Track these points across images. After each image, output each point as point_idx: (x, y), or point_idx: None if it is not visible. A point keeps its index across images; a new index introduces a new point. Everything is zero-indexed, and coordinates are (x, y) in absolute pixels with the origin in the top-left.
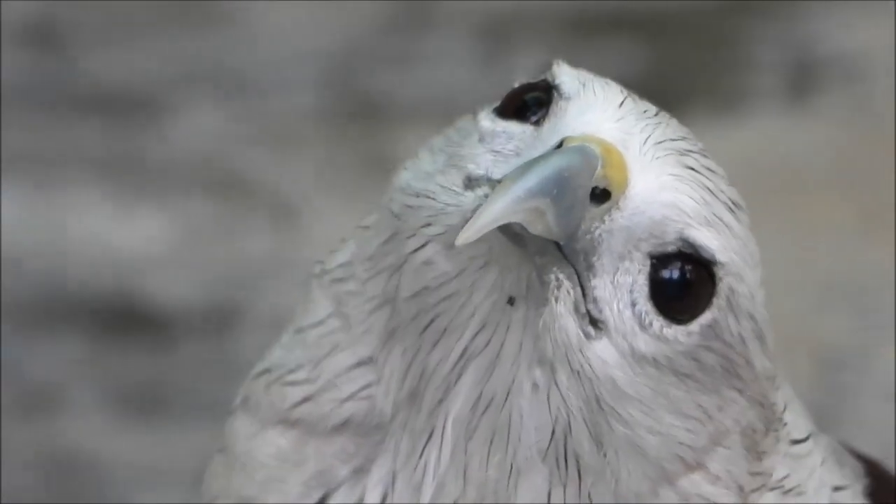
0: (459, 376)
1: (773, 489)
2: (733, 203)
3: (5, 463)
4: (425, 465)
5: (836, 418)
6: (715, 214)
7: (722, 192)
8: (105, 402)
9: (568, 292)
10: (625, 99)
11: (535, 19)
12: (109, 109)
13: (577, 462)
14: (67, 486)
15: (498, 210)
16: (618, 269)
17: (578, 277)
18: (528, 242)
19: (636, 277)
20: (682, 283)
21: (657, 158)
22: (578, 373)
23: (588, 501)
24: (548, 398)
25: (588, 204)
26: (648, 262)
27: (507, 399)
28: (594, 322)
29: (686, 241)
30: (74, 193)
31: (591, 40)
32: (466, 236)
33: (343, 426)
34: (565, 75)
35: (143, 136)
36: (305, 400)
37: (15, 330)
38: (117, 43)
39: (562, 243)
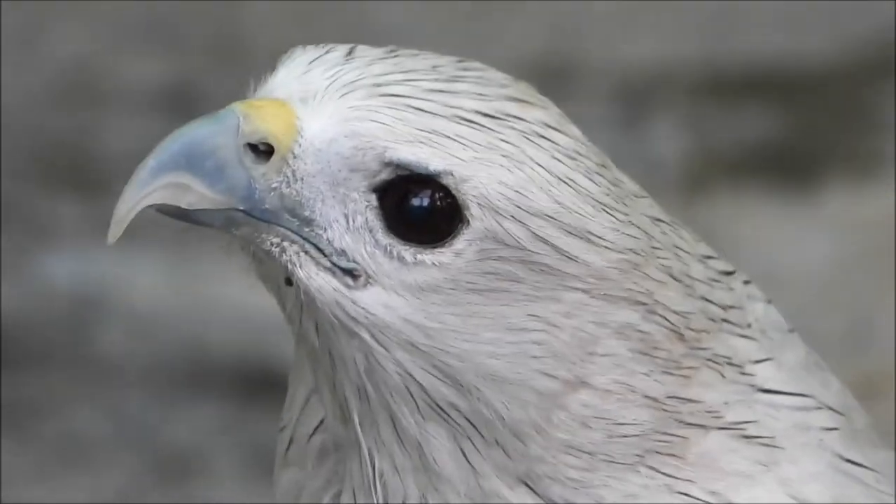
0: (331, 362)
1: (723, 429)
2: (476, 115)
3: None
4: (370, 473)
5: None
6: (428, 131)
7: (452, 110)
8: (242, 465)
9: (298, 253)
10: (320, 56)
11: (672, 83)
12: None
13: (458, 410)
14: None
15: (127, 201)
16: (346, 215)
17: (301, 234)
18: (207, 219)
19: (366, 215)
20: (411, 206)
21: (342, 98)
22: (366, 325)
23: (498, 446)
24: (374, 359)
25: (249, 162)
26: (373, 197)
27: (359, 381)
28: (349, 272)
29: (394, 164)
30: (212, 263)
31: (727, 104)
32: (110, 234)
33: (322, 458)
34: (282, 57)
35: None
36: (291, 442)
37: (154, 396)
38: None
39: (243, 208)
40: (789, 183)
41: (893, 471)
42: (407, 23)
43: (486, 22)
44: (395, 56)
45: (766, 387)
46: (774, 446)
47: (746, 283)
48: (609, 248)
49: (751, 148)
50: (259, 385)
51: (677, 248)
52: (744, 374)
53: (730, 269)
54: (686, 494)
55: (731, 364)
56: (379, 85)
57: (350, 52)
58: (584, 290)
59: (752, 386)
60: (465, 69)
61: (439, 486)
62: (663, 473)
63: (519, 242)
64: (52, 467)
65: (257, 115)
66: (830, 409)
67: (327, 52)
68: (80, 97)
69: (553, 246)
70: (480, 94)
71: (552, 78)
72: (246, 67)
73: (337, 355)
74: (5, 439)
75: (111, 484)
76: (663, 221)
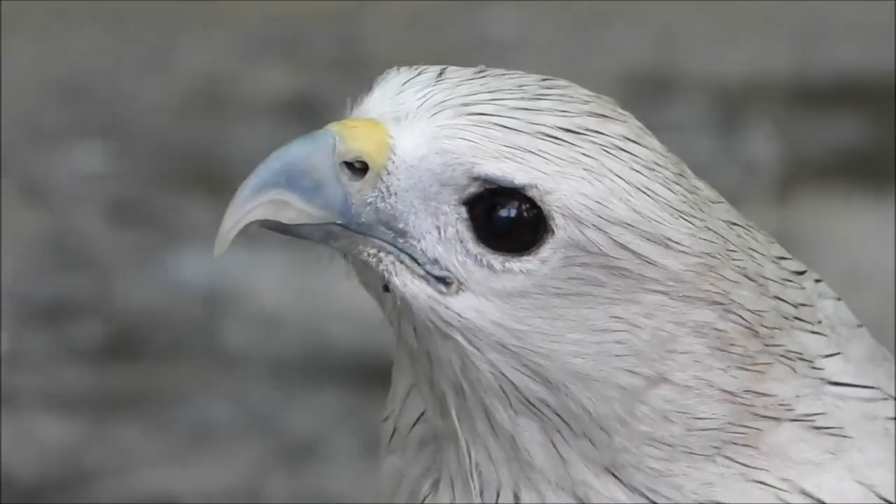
0: (429, 363)
1: (794, 420)
2: (558, 132)
3: None
4: (467, 464)
5: None
6: (513, 147)
7: (536, 126)
8: (358, 451)
9: (394, 263)
10: (412, 77)
11: (765, 93)
12: None
13: (547, 405)
14: None
15: (231, 217)
16: (438, 227)
17: (396, 245)
18: (306, 233)
19: (457, 227)
20: (499, 217)
21: (432, 117)
22: (460, 328)
23: (585, 438)
24: (468, 360)
25: (345, 179)
26: (463, 209)
27: (455, 379)
28: (442, 280)
29: (482, 178)
30: (329, 266)
31: (814, 111)
32: (216, 248)
33: (421, 447)
34: (378, 78)
35: None
36: (394, 432)
37: (277, 386)
38: None
39: (341, 222)
40: (872, 187)
41: None
42: (518, 35)
43: (591, 35)
44: (483, 76)
45: (835, 380)
46: (842, 436)
47: (818, 281)
48: (686, 253)
49: (836, 153)
50: (374, 376)
51: (752, 249)
52: (814, 368)
53: (801, 268)
54: (760, 482)
55: (802, 359)
56: (467, 104)
57: (440, 74)
58: (662, 292)
59: (822, 379)
60: (549, 87)
61: (531, 476)
62: (738, 463)
63: (600, 249)
64: (183, 451)
65: (351, 134)
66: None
67: (419, 73)
68: (210, 107)
69: (633, 252)
70: (562, 111)
71: (654, 88)
72: (364, 78)
73: (434, 355)
74: (140, 425)
75: (237, 467)
76: (738, 225)
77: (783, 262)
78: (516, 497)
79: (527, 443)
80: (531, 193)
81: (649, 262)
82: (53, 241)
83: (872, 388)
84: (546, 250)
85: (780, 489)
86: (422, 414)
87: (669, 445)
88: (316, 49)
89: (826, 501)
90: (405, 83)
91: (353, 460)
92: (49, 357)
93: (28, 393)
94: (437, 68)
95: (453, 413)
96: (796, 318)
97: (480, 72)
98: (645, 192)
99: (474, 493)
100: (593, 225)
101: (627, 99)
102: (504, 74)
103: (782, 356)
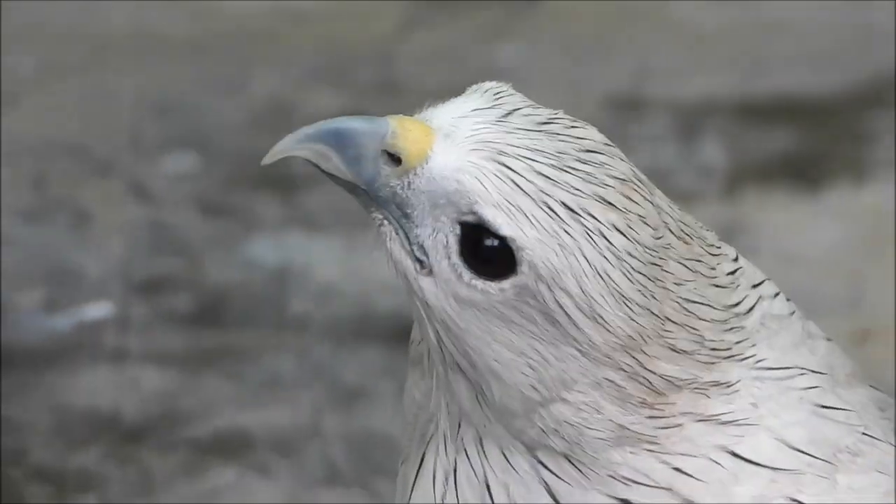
0: (415, 308)
1: (700, 421)
2: (558, 206)
3: (328, 443)
4: (439, 403)
5: None
6: (514, 205)
7: (543, 196)
8: (397, 396)
9: (393, 233)
10: (482, 108)
11: (716, 110)
12: None
13: (472, 374)
14: (370, 458)
15: (285, 144)
16: (435, 228)
17: (398, 222)
18: (337, 182)
19: (448, 237)
20: (482, 247)
21: (470, 150)
22: (419, 299)
23: (497, 402)
24: (422, 320)
25: (381, 163)
26: (458, 227)
27: (419, 317)
28: (419, 261)
29: (476, 215)
30: (373, 248)
31: (756, 125)
32: (266, 159)
33: (420, 361)
34: (468, 90)
35: None
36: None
37: (331, 344)
38: None
39: (364, 188)
40: (803, 185)
41: (870, 403)
42: (525, 65)
43: (582, 65)
44: (541, 131)
45: (757, 366)
46: (752, 416)
47: (756, 285)
48: (611, 332)
49: (774, 159)
50: (408, 335)
51: (700, 320)
52: (729, 386)
53: (752, 304)
54: (666, 463)
55: (717, 385)
56: (502, 153)
57: (506, 115)
58: (578, 350)
59: (742, 370)
60: (584, 162)
61: (469, 418)
62: (644, 449)
63: (544, 301)
64: (256, 397)
65: (403, 133)
66: (813, 371)
67: (491, 106)
68: (276, 123)
69: (567, 314)
70: (577, 189)
71: (629, 107)
72: (398, 101)
73: (413, 302)
74: (223, 376)
75: (300, 409)
76: (696, 303)
77: (732, 310)
78: (479, 437)
79: (459, 393)
80: (510, 243)
81: (577, 327)
82: (153, 229)
83: (790, 367)
84: (506, 283)
85: (691, 455)
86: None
87: (566, 441)
88: (359, 76)
89: (744, 456)
90: (474, 110)
91: (393, 402)
92: (150, 321)
93: (133, 350)
94: (510, 108)
95: (427, 352)
96: (727, 358)
97: (541, 124)
98: (601, 277)
99: (446, 422)
100: (546, 284)
101: (609, 116)
102: (560, 135)
103: (695, 389)
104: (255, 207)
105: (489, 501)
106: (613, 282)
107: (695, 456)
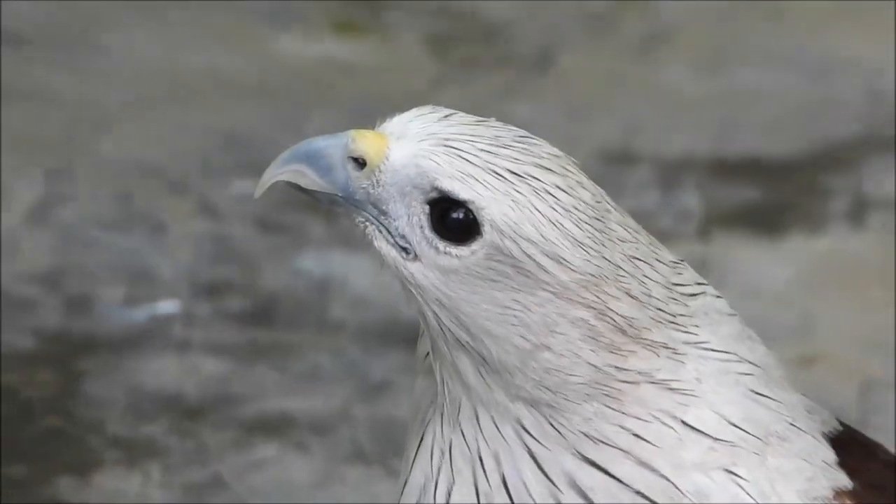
0: (415, 305)
1: (652, 383)
2: (504, 172)
3: (356, 427)
4: (441, 389)
5: None
6: (466, 174)
7: (489, 164)
8: None
9: (377, 231)
10: (426, 114)
11: (694, 166)
12: None
13: (472, 347)
14: (391, 441)
15: (267, 175)
16: (409, 214)
17: (378, 220)
18: (317, 197)
19: (420, 218)
20: (450, 219)
21: (420, 141)
22: (413, 284)
23: (498, 374)
24: (420, 307)
25: (350, 168)
26: (427, 207)
27: (417, 308)
28: (404, 249)
29: (438, 189)
30: None
31: (729, 178)
32: (256, 192)
33: (427, 372)
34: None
35: None
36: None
37: (363, 345)
38: None
39: (341, 195)
40: (764, 231)
41: (799, 404)
42: (530, 120)
43: (579, 122)
44: (477, 125)
45: (701, 346)
46: (697, 389)
47: (700, 283)
48: (574, 270)
49: (742, 207)
50: None
51: (645, 277)
52: (676, 353)
53: (696, 291)
54: (626, 428)
55: (666, 348)
56: (447, 139)
57: (446, 116)
58: (552, 292)
59: (683, 356)
60: (519, 142)
61: (470, 394)
62: (609, 407)
63: (511, 254)
64: (297, 387)
65: (361, 139)
66: (750, 363)
67: (432, 112)
68: None
69: (534, 261)
70: (516, 159)
71: (620, 160)
72: None
73: (409, 298)
74: (269, 369)
75: (334, 398)
76: (640, 260)
77: (676, 288)
78: (476, 413)
79: (463, 370)
80: (470, 206)
81: (545, 271)
82: (217, 240)
83: (730, 353)
84: (475, 245)
85: (645, 420)
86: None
87: (552, 392)
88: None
89: (690, 423)
90: (419, 116)
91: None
92: (211, 318)
93: (195, 341)
94: (448, 112)
95: (429, 343)
96: (672, 322)
97: (479, 121)
98: (555, 224)
99: (446, 406)
100: (509, 237)
101: (601, 166)
102: (494, 127)
103: (648, 345)
104: (303, 227)
105: (480, 470)
106: (566, 229)
107: (649, 421)
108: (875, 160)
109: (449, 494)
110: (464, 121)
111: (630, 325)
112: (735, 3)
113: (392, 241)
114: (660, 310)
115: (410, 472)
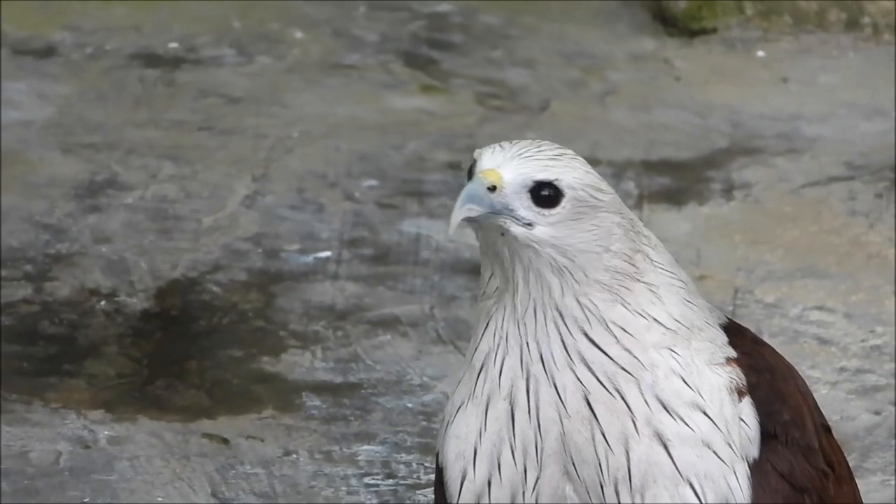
0: (512, 263)
1: (640, 282)
2: (555, 156)
3: (436, 322)
4: (515, 301)
5: None
6: (543, 166)
7: (548, 156)
8: (474, 301)
9: (510, 222)
10: (504, 148)
11: (633, 166)
12: None
13: (566, 268)
14: (458, 332)
15: (453, 218)
16: (522, 204)
17: (511, 215)
18: (480, 219)
19: (528, 202)
20: (542, 196)
21: (510, 162)
22: (536, 242)
23: (576, 282)
24: (538, 253)
25: (489, 194)
26: (529, 194)
27: (528, 260)
28: (527, 224)
29: (534, 180)
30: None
31: (652, 174)
32: (451, 229)
33: (494, 297)
34: (476, 153)
35: None
36: (484, 292)
37: (439, 272)
38: None
39: (491, 211)
40: (674, 204)
41: (706, 306)
42: None
43: (565, 142)
44: (529, 146)
45: (658, 266)
46: (658, 292)
47: (652, 236)
48: (608, 193)
49: (660, 190)
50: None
51: (633, 223)
52: (649, 263)
53: (646, 233)
54: (627, 308)
55: (646, 257)
56: (521, 155)
57: (514, 144)
58: (604, 210)
59: (651, 262)
60: (547, 149)
61: (543, 302)
62: (619, 297)
63: (583, 198)
64: (402, 299)
65: (486, 177)
66: (681, 280)
67: (504, 146)
68: (419, 167)
69: (592, 196)
70: (559, 152)
71: (589, 164)
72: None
73: (517, 257)
74: (386, 290)
75: (423, 305)
76: (631, 218)
77: (644, 236)
78: (535, 315)
79: (552, 285)
80: (554, 182)
81: (598, 199)
82: (355, 215)
83: (671, 272)
84: (563, 202)
85: (641, 314)
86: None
87: (598, 283)
88: (458, 144)
89: (657, 318)
90: (501, 149)
91: (470, 303)
92: (350, 260)
93: (342, 274)
94: (514, 142)
95: (518, 279)
96: (644, 244)
97: (532, 142)
98: (590, 174)
99: (518, 308)
100: (579, 188)
101: None
102: (534, 145)
103: (638, 251)
104: (404, 206)
105: (526, 349)
106: (595, 176)
107: (634, 315)
108: (737, 161)
109: (503, 361)
110: (524, 144)
111: (633, 230)
112: (653, 73)
113: (519, 224)
114: (638, 231)
115: (479, 344)
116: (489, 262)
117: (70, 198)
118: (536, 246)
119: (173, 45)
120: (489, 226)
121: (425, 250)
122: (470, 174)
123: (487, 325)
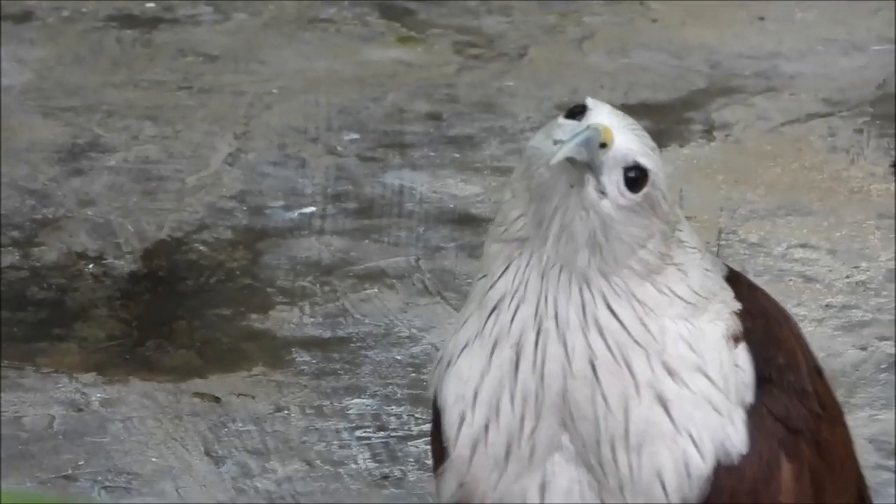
0: (555, 212)
1: (670, 265)
2: (653, 148)
3: (422, 274)
4: (541, 254)
5: None
6: (644, 153)
7: (650, 146)
8: (459, 251)
9: (591, 180)
10: (612, 110)
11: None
12: None
13: (599, 246)
14: (445, 283)
15: (562, 152)
16: (611, 175)
17: (597, 178)
18: (578, 166)
19: (618, 178)
20: (633, 177)
21: (624, 131)
22: (597, 211)
23: (605, 261)
24: (588, 217)
25: (598, 148)
26: (622, 170)
27: (572, 221)
28: (601, 192)
29: (636, 162)
30: None
31: (632, 116)
32: (555, 160)
33: (517, 240)
34: (589, 101)
35: None
36: (507, 230)
37: (423, 224)
38: None
39: (591, 164)
40: (661, 143)
41: (718, 272)
42: (514, 88)
43: (544, 89)
44: (631, 121)
45: (684, 244)
46: (685, 268)
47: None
48: (667, 201)
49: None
50: (467, 222)
51: (676, 215)
52: (682, 245)
53: (694, 240)
54: (655, 286)
55: (680, 243)
56: (634, 131)
57: (625, 119)
58: (656, 216)
59: (682, 243)
60: (640, 130)
61: (569, 265)
62: (648, 281)
63: (655, 196)
64: (386, 251)
65: (606, 134)
66: (699, 249)
67: (617, 112)
68: (400, 119)
69: (659, 199)
70: (649, 143)
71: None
72: (458, 105)
73: (563, 213)
74: (371, 243)
75: (409, 256)
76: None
77: (683, 224)
78: (559, 273)
79: (581, 255)
80: (649, 171)
81: (660, 205)
82: (338, 168)
83: (694, 246)
84: (644, 191)
85: (665, 292)
86: (521, 227)
87: (637, 274)
88: (438, 94)
89: (681, 295)
90: (613, 113)
91: (456, 254)
92: (335, 215)
93: (327, 229)
94: (626, 118)
95: (551, 233)
96: (678, 230)
97: (628, 118)
98: (664, 179)
99: (544, 261)
100: (658, 188)
101: (558, 113)
102: (632, 122)
103: (674, 242)
104: (386, 158)
105: (543, 303)
106: (664, 181)
107: (658, 292)
108: (716, 101)
109: (518, 308)
110: (627, 118)
111: (672, 231)
112: (629, 16)
113: (597, 188)
114: (676, 222)
115: (496, 284)
116: (530, 203)
117: (53, 162)
118: (593, 214)
119: (150, 4)
120: (572, 172)
121: (409, 202)
122: (572, 115)
123: (508, 267)
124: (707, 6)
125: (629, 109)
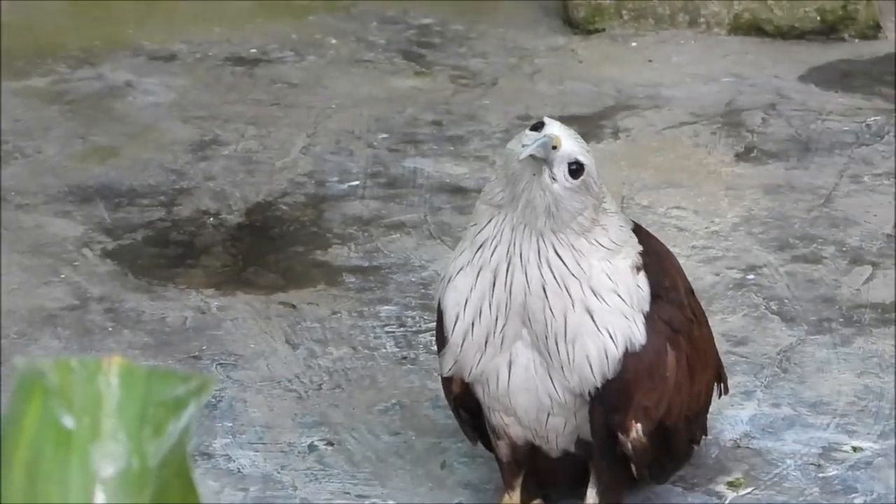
0: (523, 191)
1: (598, 226)
2: (587, 149)
3: (430, 225)
4: (513, 216)
5: None
6: (584, 151)
7: (586, 147)
8: (460, 209)
9: (546, 171)
10: (562, 125)
11: (568, 120)
12: None
13: (552, 213)
14: (445, 231)
15: (528, 151)
16: (560, 167)
17: (549, 168)
18: (537, 161)
19: (565, 169)
20: (574, 168)
21: (569, 138)
22: (550, 191)
23: (556, 221)
24: (545, 195)
25: (550, 149)
26: (567, 165)
27: (534, 198)
28: (553, 179)
29: (576, 158)
30: None
31: (567, 124)
32: (523, 157)
33: (497, 206)
34: (546, 119)
35: None
36: (491, 198)
37: (430, 194)
38: None
39: (546, 160)
40: (585, 141)
41: (627, 226)
42: (489, 107)
43: (509, 106)
44: (573, 131)
45: (609, 211)
46: (607, 226)
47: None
48: (597, 181)
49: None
50: (465, 192)
51: (602, 193)
52: (605, 212)
53: (613, 206)
54: (588, 241)
55: (604, 211)
56: (573, 137)
57: (567, 126)
58: (589, 192)
59: (605, 212)
60: (585, 143)
61: (533, 224)
62: (583, 235)
63: (589, 182)
64: (404, 209)
65: (556, 139)
66: (616, 212)
67: (563, 125)
68: (409, 124)
69: (593, 182)
70: (587, 150)
71: (525, 121)
72: (450, 115)
73: (529, 191)
74: (394, 205)
75: (420, 215)
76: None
77: (607, 201)
78: (524, 228)
79: (540, 218)
80: (585, 165)
81: (593, 186)
82: (374, 157)
83: (615, 211)
84: (581, 177)
85: (593, 243)
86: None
87: (571, 228)
88: (444, 110)
89: (603, 244)
90: (562, 126)
91: (451, 213)
92: (372, 187)
93: (367, 195)
94: (565, 126)
95: (520, 203)
96: (603, 200)
97: (570, 129)
98: (595, 167)
99: (514, 220)
100: (590, 175)
101: (518, 125)
102: (572, 131)
103: (601, 210)
104: (405, 150)
105: (513, 246)
106: (595, 172)
107: (587, 242)
108: (620, 114)
109: (496, 247)
110: (571, 130)
111: (600, 203)
112: (565, 58)
113: (550, 176)
114: (602, 197)
115: (483, 229)
116: (507, 182)
117: (187, 151)
118: (548, 193)
119: (253, 50)
120: (534, 165)
121: (420, 178)
122: (535, 128)
123: (490, 220)
124: (615, 53)
125: (565, 119)
